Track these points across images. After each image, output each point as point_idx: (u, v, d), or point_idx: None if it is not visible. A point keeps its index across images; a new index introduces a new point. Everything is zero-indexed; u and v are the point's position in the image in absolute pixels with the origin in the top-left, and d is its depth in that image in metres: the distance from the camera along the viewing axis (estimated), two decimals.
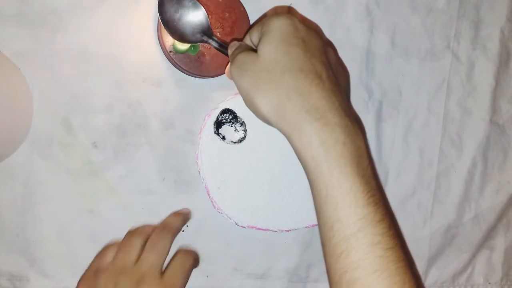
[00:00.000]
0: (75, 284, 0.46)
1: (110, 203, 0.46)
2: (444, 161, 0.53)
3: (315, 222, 0.49)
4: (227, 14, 0.45)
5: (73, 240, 0.46)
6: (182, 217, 0.46)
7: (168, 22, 0.41)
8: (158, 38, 0.45)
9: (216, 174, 0.47)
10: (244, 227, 0.48)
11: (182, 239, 0.47)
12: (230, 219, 0.48)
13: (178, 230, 0.44)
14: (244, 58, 0.36)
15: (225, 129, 0.47)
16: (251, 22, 0.46)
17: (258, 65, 0.34)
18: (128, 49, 0.46)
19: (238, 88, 0.36)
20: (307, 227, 0.49)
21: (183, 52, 0.44)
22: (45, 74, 0.45)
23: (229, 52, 0.39)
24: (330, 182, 0.32)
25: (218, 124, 0.47)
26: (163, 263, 0.40)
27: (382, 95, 0.51)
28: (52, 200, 0.45)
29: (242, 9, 0.45)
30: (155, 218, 0.46)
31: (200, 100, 0.47)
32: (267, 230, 0.48)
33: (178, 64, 0.44)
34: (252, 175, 0.48)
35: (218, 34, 0.45)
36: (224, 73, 0.46)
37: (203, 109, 0.47)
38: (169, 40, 0.44)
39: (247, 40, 0.39)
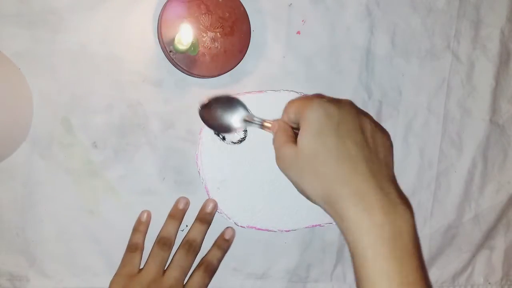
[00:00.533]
0: (75, 284, 0.46)
1: (110, 203, 0.46)
2: (444, 161, 0.53)
3: (315, 222, 0.49)
4: (227, 14, 0.45)
5: (73, 240, 0.46)
6: (203, 234, 0.47)
7: (213, 126, 0.45)
8: (158, 38, 0.45)
9: (216, 174, 0.47)
10: (244, 227, 0.48)
11: (182, 239, 0.47)
12: (230, 219, 0.48)
13: (199, 248, 0.47)
14: (287, 153, 0.39)
15: None
16: (251, 22, 0.46)
17: (300, 160, 0.37)
18: (128, 49, 0.46)
19: (288, 179, 0.39)
20: (307, 227, 0.49)
21: (183, 52, 0.44)
22: (45, 74, 0.44)
23: (273, 132, 0.42)
24: (365, 265, 0.34)
25: None
26: (185, 278, 0.45)
27: (382, 95, 0.51)
28: (52, 200, 0.45)
29: (242, 9, 0.45)
30: (155, 218, 0.46)
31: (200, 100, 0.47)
32: (267, 230, 0.48)
33: (178, 64, 0.44)
34: (252, 175, 0.48)
35: (218, 34, 0.45)
36: (224, 73, 0.46)
37: None
38: (169, 40, 0.44)
39: (285, 117, 0.41)
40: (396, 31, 0.51)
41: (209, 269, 0.46)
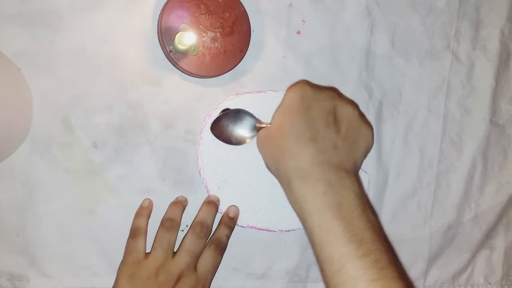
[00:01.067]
0: (75, 284, 0.46)
1: (110, 203, 0.46)
2: (444, 161, 0.53)
3: None
4: (227, 14, 0.45)
5: (73, 240, 0.46)
6: (213, 216, 0.47)
7: (227, 140, 0.46)
8: (158, 38, 0.45)
9: (216, 174, 0.47)
10: (244, 227, 0.48)
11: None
12: None
13: (211, 231, 0.46)
14: (263, 132, 0.44)
15: None
16: (251, 22, 0.46)
17: (269, 134, 0.42)
18: (128, 49, 0.46)
19: (262, 156, 0.44)
20: None
21: (183, 52, 0.44)
22: (45, 74, 0.44)
23: None
24: (313, 228, 0.36)
25: None
26: (196, 262, 0.45)
27: (382, 95, 0.51)
28: (52, 200, 0.45)
29: (242, 9, 0.45)
30: (155, 218, 0.46)
31: (200, 100, 0.47)
32: (267, 230, 0.48)
33: (178, 64, 0.44)
34: (252, 175, 0.48)
35: (218, 34, 0.45)
36: (224, 73, 0.46)
37: (203, 109, 0.47)
38: (169, 40, 0.44)
39: None
40: (396, 31, 0.51)
41: (220, 246, 0.45)
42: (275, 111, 0.42)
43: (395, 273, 0.34)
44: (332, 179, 0.37)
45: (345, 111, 0.41)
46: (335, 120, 0.40)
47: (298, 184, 0.38)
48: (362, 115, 0.43)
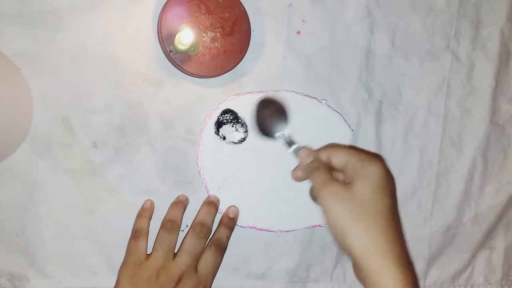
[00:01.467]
0: (75, 284, 0.46)
1: (110, 203, 0.46)
2: (444, 161, 0.53)
3: (315, 223, 0.49)
4: (227, 14, 0.45)
5: (73, 240, 0.46)
6: (213, 217, 0.47)
7: (260, 121, 0.45)
8: (158, 38, 0.45)
9: (216, 175, 0.47)
10: (244, 227, 0.48)
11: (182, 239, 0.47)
12: None
13: (211, 231, 0.46)
14: (341, 189, 0.39)
15: (226, 130, 0.47)
16: (251, 22, 0.46)
17: (357, 202, 0.38)
18: (128, 49, 0.46)
19: (329, 213, 0.38)
20: (307, 227, 0.49)
21: (183, 52, 0.44)
22: (45, 74, 0.44)
23: (303, 159, 0.42)
24: None
25: (219, 125, 0.47)
26: (196, 263, 0.44)
27: (382, 95, 0.51)
28: (52, 200, 0.45)
29: (242, 9, 0.45)
30: (156, 218, 0.46)
31: (200, 100, 0.47)
32: (267, 230, 0.48)
33: (178, 64, 0.44)
34: (252, 175, 0.48)
35: (218, 34, 0.45)
36: (224, 73, 0.46)
37: (203, 109, 0.47)
38: (169, 40, 0.44)
39: (323, 156, 0.42)
40: (396, 31, 0.51)
41: (221, 247, 0.46)
42: (361, 183, 0.38)
43: None
44: (411, 275, 0.37)
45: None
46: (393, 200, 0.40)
47: (399, 273, 0.36)
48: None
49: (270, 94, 0.46)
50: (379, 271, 0.37)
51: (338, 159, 0.41)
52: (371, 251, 0.37)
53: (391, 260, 0.36)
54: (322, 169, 0.41)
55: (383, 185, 0.39)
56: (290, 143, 0.44)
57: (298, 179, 0.43)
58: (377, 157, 0.41)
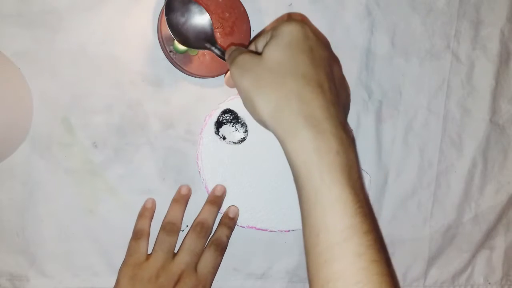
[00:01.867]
0: (75, 284, 0.46)
1: (110, 203, 0.46)
2: (444, 161, 0.53)
3: None
4: (227, 14, 0.45)
5: (73, 240, 0.46)
6: (214, 216, 0.46)
7: (173, 25, 0.41)
8: (158, 38, 0.45)
9: (216, 175, 0.47)
10: (244, 227, 0.48)
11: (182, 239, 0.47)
12: None
13: (211, 231, 0.46)
14: (247, 58, 0.36)
15: (226, 130, 0.47)
16: (251, 22, 0.46)
17: (262, 66, 0.34)
18: (128, 49, 0.46)
19: (238, 87, 0.36)
20: None
21: (183, 52, 0.44)
22: (45, 74, 0.44)
23: (227, 55, 0.39)
24: (320, 189, 0.32)
25: (219, 125, 0.47)
26: (196, 262, 0.44)
27: (382, 95, 0.51)
28: (52, 200, 0.45)
29: (242, 9, 0.45)
30: (156, 218, 0.46)
31: (200, 100, 0.47)
32: (267, 230, 0.48)
33: (178, 64, 0.44)
34: (252, 175, 0.48)
35: (218, 34, 0.45)
36: (224, 73, 0.46)
37: (203, 109, 0.47)
38: (169, 40, 0.44)
39: (252, 47, 0.39)
40: (396, 31, 0.51)
41: (220, 247, 0.46)
42: (270, 43, 0.35)
43: (386, 257, 0.32)
44: (343, 137, 0.33)
45: (336, 69, 0.37)
46: (332, 74, 0.36)
47: (311, 133, 0.32)
48: (343, 75, 0.40)
49: None
50: (290, 131, 0.32)
51: (262, 39, 0.37)
52: (278, 111, 0.33)
53: (305, 119, 0.32)
54: (237, 51, 0.37)
55: (295, 43, 0.34)
56: (213, 49, 0.41)
57: (227, 82, 0.41)
58: (296, 20, 0.37)
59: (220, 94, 0.47)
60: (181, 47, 0.43)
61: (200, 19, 0.41)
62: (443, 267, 0.53)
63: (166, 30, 0.43)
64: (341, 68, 0.40)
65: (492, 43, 0.53)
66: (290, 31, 0.35)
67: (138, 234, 0.45)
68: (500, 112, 0.54)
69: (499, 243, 0.55)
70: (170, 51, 0.44)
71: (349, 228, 0.31)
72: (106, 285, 0.45)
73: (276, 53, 0.35)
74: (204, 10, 0.41)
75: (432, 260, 0.53)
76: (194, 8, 0.41)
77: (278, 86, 0.33)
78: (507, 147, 0.54)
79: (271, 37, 0.36)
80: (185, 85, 0.47)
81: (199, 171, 0.47)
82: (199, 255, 0.45)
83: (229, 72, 0.37)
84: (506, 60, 0.54)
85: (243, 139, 0.47)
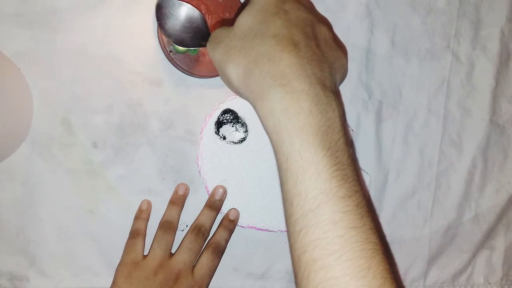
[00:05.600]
0: (75, 284, 0.46)
1: (110, 203, 0.46)
2: (444, 161, 0.53)
3: None
4: (227, 14, 0.45)
5: (73, 240, 0.46)
6: (213, 220, 0.47)
7: (166, 29, 0.40)
8: (158, 38, 0.45)
9: (216, 175, 0.47)
10: (244, 227, 0.48)
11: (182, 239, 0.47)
12: None
13: (209, 234, 0.46)
14: (219, 31, 0.34)
15: (226, 129, 0.47)
16: None
17: (232, 35, 0.33)
18: (128, 49, 0.46)
19: (214, 62, 0.34)
20: None
21: (183, 52, 0.44)
22: (45, 74, 0.44)
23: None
24: (291, 153, 0.29)
25: (219, 124, 0.47)
26: (194, 262, 0.45)
27: (382, 95, 0.51)
28: (52, 200, 0.45)
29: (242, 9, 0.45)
30: (155, 218, 0.46)
31: (200, 100, 0.47)
32: (267, 230, 0.48)
33: (178, 64, 0.44)
34: (252, 175, 0.48)
35: None
36: None
37: (203, 109, 0.47)
38: (169, 40, 0.43)
39: None
40: (396, 31, 0.51)
41: (218, 250, 0.46)
42: (242, 12, 0.34)
43: (372, 224, 0.29)
44: (320, 95, 0.30)
45: (321, 29, 0.35)
46: (313, 34, 0.34)
47: (279, 93, 0.30)
48: (336, 38, 0.37)
49: None
50: (259, 95, 0.30)
51: None
52: (247, 75, 0.31)
53: (273, 80, 0.30)
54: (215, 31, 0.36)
55: (267, 7, 0.33)
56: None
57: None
58: None
59: (220, 94, 0.47)
60: (181, 47, 0.43)
61: (192, 18, 0.40)
62: (443, 267, 0.53)
63: None
64: (331, 28, 0.36)
65: (492, 43, 0.53)
66: None
67: (134, 234, 0.45)
68: (500, 112, 0.54)
69: (499, 243, 0.55)
70: (170, 51, 0.44)
71: (322, 193, 0.28)
72: (106, 285, 0.45)
73: (247, 19, 0.33)
74: (195, 9, 0.40)
75: (432, 260, 0.53)
76: (184, 9, 0.40)
77: (247, 50, 0.32)
78: (507, 147, 0.54)
79: (246, 6, 0.34)
80: (185, 85, 0.47)
81: (199, 171, 0.47)
82: (197, 254, 0.45)
83: None
84: (506, 60, 0.54)
85: (243, 139, 0.47)
